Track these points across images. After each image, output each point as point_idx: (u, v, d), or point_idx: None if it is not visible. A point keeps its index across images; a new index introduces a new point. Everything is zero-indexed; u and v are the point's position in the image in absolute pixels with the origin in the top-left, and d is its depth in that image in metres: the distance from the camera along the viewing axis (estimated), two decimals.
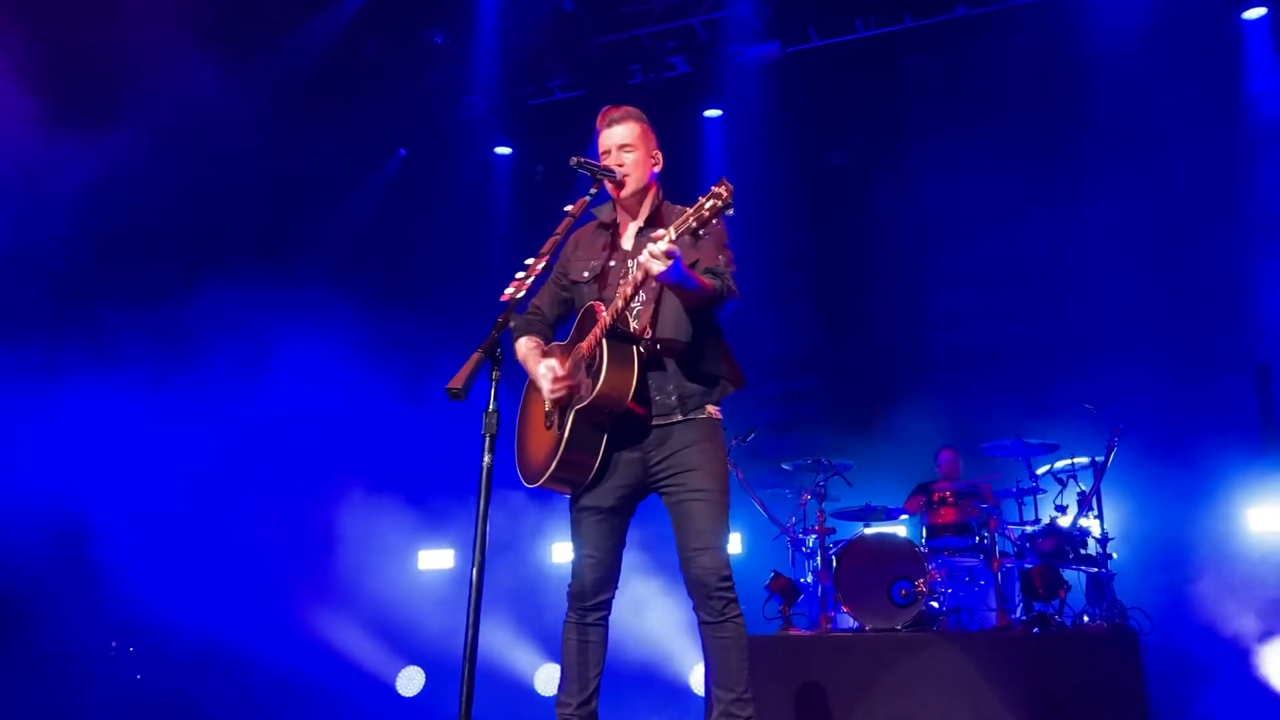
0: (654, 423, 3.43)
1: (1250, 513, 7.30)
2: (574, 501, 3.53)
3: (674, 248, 3.07)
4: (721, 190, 3.03)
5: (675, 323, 3.44)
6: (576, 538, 3.52)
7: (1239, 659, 6.46)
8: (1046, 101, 8.49)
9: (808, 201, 9.43)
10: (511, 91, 9.87)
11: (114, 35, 7.24)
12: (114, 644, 8.20)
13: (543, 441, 3.49)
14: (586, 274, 3.61)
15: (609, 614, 3.54)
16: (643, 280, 3.24)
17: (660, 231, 3.11)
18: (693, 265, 3.32)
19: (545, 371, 3.47)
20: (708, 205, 3.04)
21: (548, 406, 3.49)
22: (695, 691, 7.43)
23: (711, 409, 3.49)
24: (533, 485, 3.54)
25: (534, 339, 3.66)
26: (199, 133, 7.88)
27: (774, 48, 9.13)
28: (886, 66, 9.17)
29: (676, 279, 3.17)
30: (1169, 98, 7.84)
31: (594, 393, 3.28)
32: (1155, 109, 7.91)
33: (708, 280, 3.32)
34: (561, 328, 3.74)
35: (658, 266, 3.07)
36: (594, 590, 3.48)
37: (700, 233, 3.10)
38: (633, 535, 3.60)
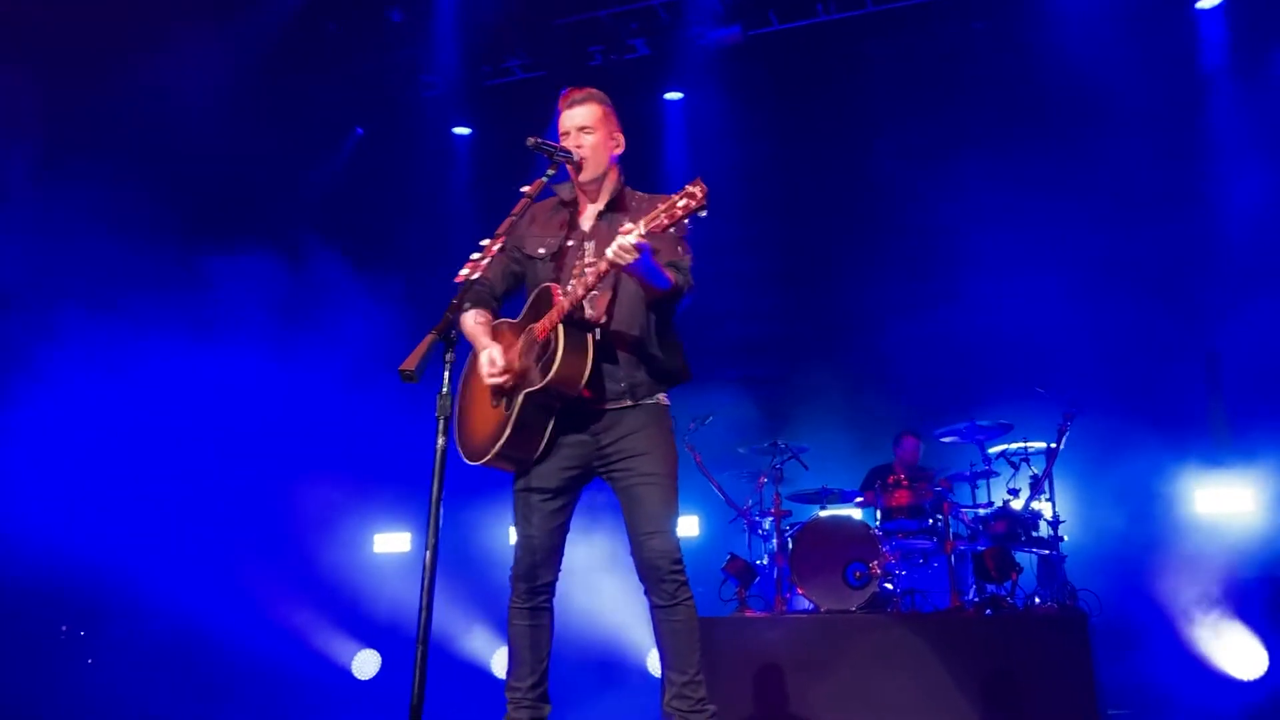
0: (603, 407, 3.43)
1: (1198, 495, 7.43)
2: (518, 482, 3.52)
3: (644, 242, 3.07)
4: (696, 191, 3.04)
5: (631, 312, 3.44)
6: (520, 519, 3.51)
7: (1185, 638, 6.58)
8: (1005, 88, 8.55)
9: (768, 186, 9.43)
10: (470, 71, 9.77)
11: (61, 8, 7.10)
12: (64, 628, 8.08)
13: (488, 419, 3.47)
14: (542, 250, 3.60)
15: (554, 596, 3.54)
16: (606, 271, 3.24)
17: (629, 225, 3.10)
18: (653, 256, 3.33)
19: (485, 360, 3.43)
20: (680, 204, 3.05)
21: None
22: (652, 673, 7.46)
23: (661, 396, 3.51)
24: (474, 463, 3.52)
25: (482, 313, 3.60)
26: (151, 110, 7.72)
27: (735, 31, 9.11)
28: (847, 51, 9.19)
29: (643, 271, 3.18)
30: (1125, 87, 7.93)
31: (547, 378, 3.28)
32: (1112, 98, 8.00)
33: (670, 274, 3.32)
34: (509, 301, 3.71)
35: (626, 259, 3.08)
36: (538, 573, 3.47)
37: (672, 230, 3.11)
38: (584, 518, 3.59)
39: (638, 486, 3.39)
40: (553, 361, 3.27)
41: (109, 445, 7.70)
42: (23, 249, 7.48)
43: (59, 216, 7.54)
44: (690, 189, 3.04)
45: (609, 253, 3.11)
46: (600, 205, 3.58)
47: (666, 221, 3.05)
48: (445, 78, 9.82)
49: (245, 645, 7.87)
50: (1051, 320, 7.90)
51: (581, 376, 3.31)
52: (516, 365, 3.41)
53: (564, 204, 3.67)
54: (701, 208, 3.03)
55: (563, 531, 3.53)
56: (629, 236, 3.06)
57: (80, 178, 7.39)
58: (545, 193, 3.56)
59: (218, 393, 8.04)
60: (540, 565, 3.47)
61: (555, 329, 3.31)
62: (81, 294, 7.60)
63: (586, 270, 3.37)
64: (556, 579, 3.53)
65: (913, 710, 5.48)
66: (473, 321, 3.57)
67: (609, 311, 3.44)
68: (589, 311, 3.42)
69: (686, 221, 3.09)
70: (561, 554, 3.54)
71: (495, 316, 3.65)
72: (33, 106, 7.37)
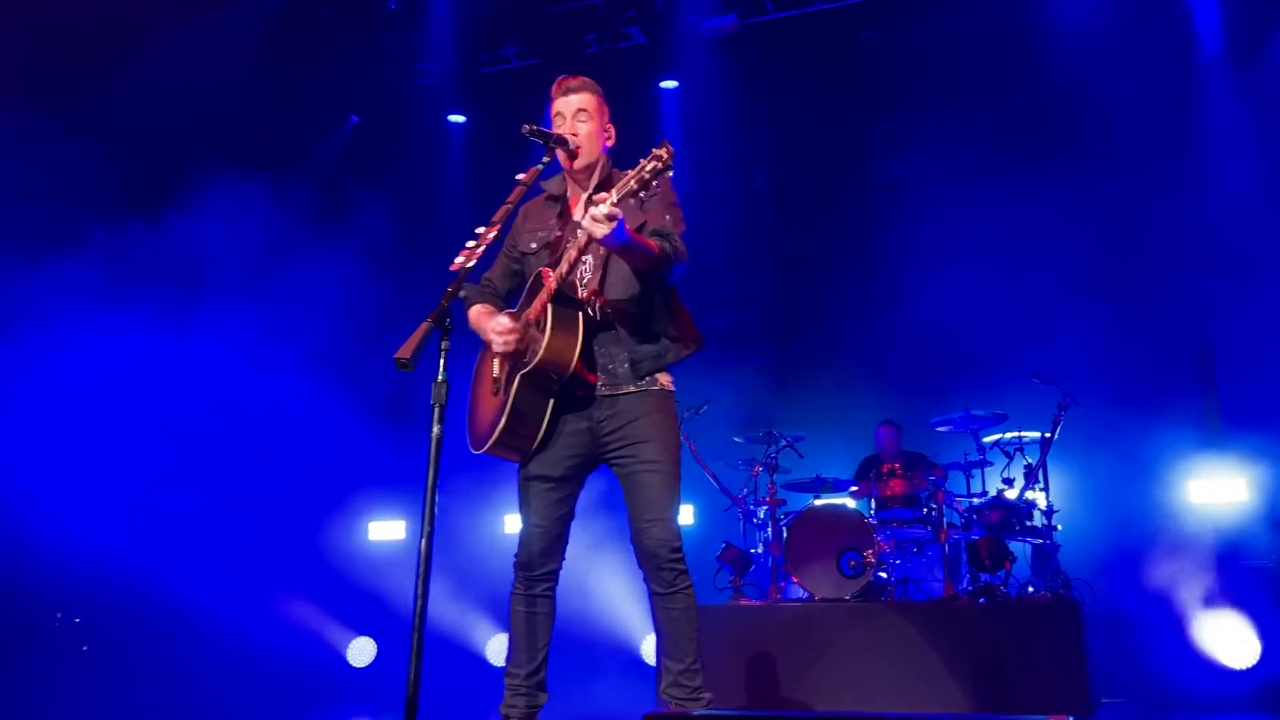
0: (605, 392, 3.42)
1: (1191, 485, 7.45)
2: (522, 470, 3.51)
3: (616, 210, 3.05)
4: (662, 151, 3.06)
5: (624, 287, 3.42)
6: (524, 507, 3.50)
7: (1178, 627, 6.60)
8: (1000, 77, 8.53)
9: (762, 174, 9.43)
10: (465, 59, 9.74)
11: None
12: (58, 615, 8.07)
13: (489, 408, 3.47)
14: (535, 244, 3.60)
15: (556, 584, 3.53)
16: (585, 244, 3.23)
17: (602, 194, 3.10)
18: (639, 227, 3.32)
19: (494, 324, 3.42)
20: (648, 167, 3.06)
21: (495, 371, 3.45)
22: (647, 661, 7.48)
23: (664, 379, 3.49)
24: (479, 451, 3.51)
25: (486, 305, 3.63)
26: (140, 94, 7.68)
27: (731, 20, 9.10)
28: (842, 40, 9.18)
29: (620, 242, 3.15)
30: (1119, 75, 7.92)
31: (538, 357, 3.26)
32: (1106, 87, 7.99)
33: (654, 243, 3.30)
34: (513, 300, 3.72)
35: (600, 230, 3.05)
36: (540, 560, 3.46)
37: (643, 194, 3.11)
38: (582, 505, 3.59)
39: (640, 473, 3.37)
40: (542, 340, 3.26)
41: (94, 427, 7.66)
42: None
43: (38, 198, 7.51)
44: (656, 151, 3.06)
45: (584, 223, 3.09)
46: (589, 192, 3.57)
47: (635, 185, 3.06)
48: (441, 65, 9.80)
49: (239, 632, 7.87)
50: (1046, 309, 7.91)
51: (572, 355, 3.28)
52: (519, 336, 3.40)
53: (555, 198, 3.66)
54: (668, 168, 3.05)
55: (566, 520, 3.51)
56: (601, 206, 3.04)
57: (59, 155, 7.34)
58: (537, 190, 3.57)
59: (207, 377, 8.01)
60: (542, 553, 3.46)
61: (544, 308, 3.31)
62: (69, 280, 7.57)
63: (568, 249, 3.37)
64: (559, 567, 3.52)
65: (906, 698, 5.50)
66: (476, 312, 3.58)
67: (600, 289, 3.42)
68: (581, 291, 3.42)
69: (657, 184, 3.09)
70: (565, 542, 3.53)
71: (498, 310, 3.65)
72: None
